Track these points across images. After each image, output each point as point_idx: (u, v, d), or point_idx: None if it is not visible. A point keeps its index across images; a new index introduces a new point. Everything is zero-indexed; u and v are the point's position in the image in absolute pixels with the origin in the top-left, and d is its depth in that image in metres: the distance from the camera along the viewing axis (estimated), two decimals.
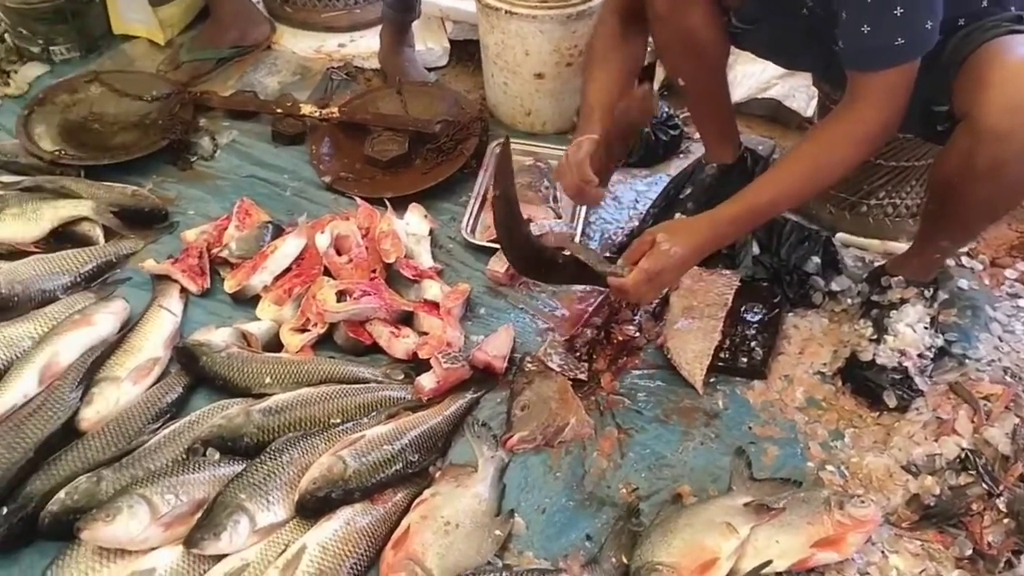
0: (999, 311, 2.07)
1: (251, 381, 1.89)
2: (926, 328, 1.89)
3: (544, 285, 2.15)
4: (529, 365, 1.95)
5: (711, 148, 2.20)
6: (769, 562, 1.55)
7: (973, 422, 1.79)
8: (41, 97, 2.68)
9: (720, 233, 1.76)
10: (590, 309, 2.09)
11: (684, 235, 1.73)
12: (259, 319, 2.06)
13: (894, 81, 1.56)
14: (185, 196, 2.45)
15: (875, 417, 1.87)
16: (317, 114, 2.63)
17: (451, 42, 2.95)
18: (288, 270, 2.14)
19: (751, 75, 2.58)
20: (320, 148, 2.57)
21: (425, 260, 2.19)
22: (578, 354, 1.99)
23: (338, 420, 1.82)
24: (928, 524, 1.66)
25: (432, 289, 2.08)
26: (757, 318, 2.02)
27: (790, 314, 2.07)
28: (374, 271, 2.12)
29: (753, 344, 1.97)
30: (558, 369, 1.94)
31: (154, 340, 1.97)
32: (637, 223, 2.28)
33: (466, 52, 2.94)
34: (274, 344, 2.02)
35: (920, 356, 1.87)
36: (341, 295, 2.02)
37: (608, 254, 2.16)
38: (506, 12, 2.45)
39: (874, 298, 1.97)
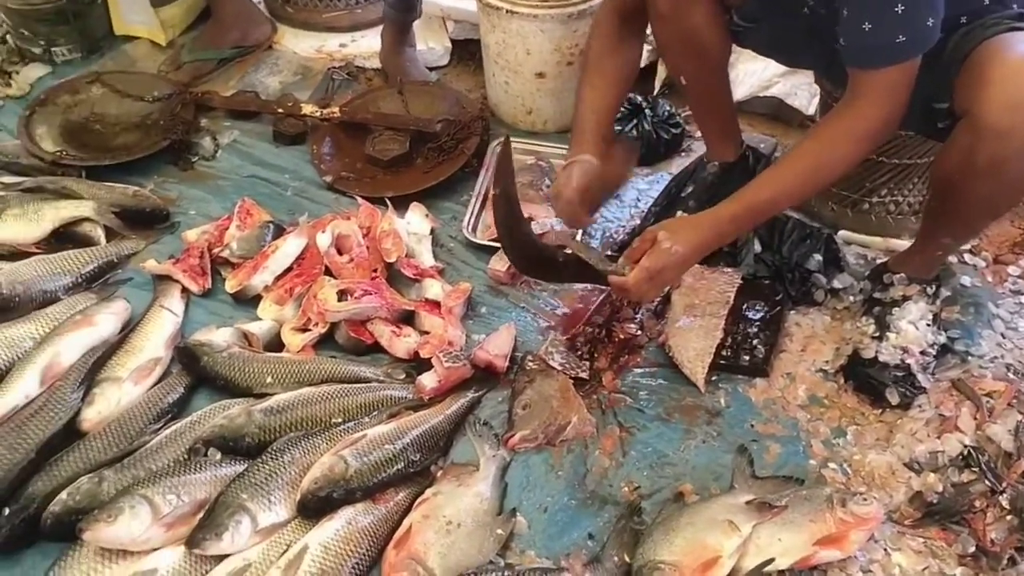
0: (1002, 308, 2.06)
1: (252, 381, 1.89)
2: (928, 325, 1.89)
3: (545, 284, 2.15)
4: (530, 364, 1.95)
5: (713, 146, 2.20)
6: (771, 560, 1.54)
7: (976, 419, 1.79)
8: (43, 98, 2.69)
9: (721, 231, 1.75)
10: (591, 308, 2.08)
11: (685, 233, 1.73)
12: (260, 319, 2.06)
13: (895, 78, 1.56)
14: (186, 196, 2.45)
15: (877, 414, 1.86)
16: (318, 114, 2.62)
17: (452, 41, 2.95)
18: (289, 270, 2.15)
19: (753, 73, 2.57)
20: (321, 148, 2.57)
21: (426, 259, 2.19)
22: (579, 353, 1.98)
23: (339, 420, 1.82)
24: (931, 521, 1.66)
25: (433, 288, 2.08)
26: (759, 316, 2.02)
27: (792, 312, 2.06)
28: (375, 270, 2.11)
29: (755, 342, 1.97)
30: (559, 368, 1.94)
31: (155, 340, 1.97)
32: (638, 221, 2.28)
33: (467, 51, 2.94)
34: (275, 344, 2.02)
35: (923, 353, 1.87)
36: (342, 294, 2.02)
37: (609, 252, 2.16)
38: (507, 11, 2.45)
39: (876, 295, 1.97)
